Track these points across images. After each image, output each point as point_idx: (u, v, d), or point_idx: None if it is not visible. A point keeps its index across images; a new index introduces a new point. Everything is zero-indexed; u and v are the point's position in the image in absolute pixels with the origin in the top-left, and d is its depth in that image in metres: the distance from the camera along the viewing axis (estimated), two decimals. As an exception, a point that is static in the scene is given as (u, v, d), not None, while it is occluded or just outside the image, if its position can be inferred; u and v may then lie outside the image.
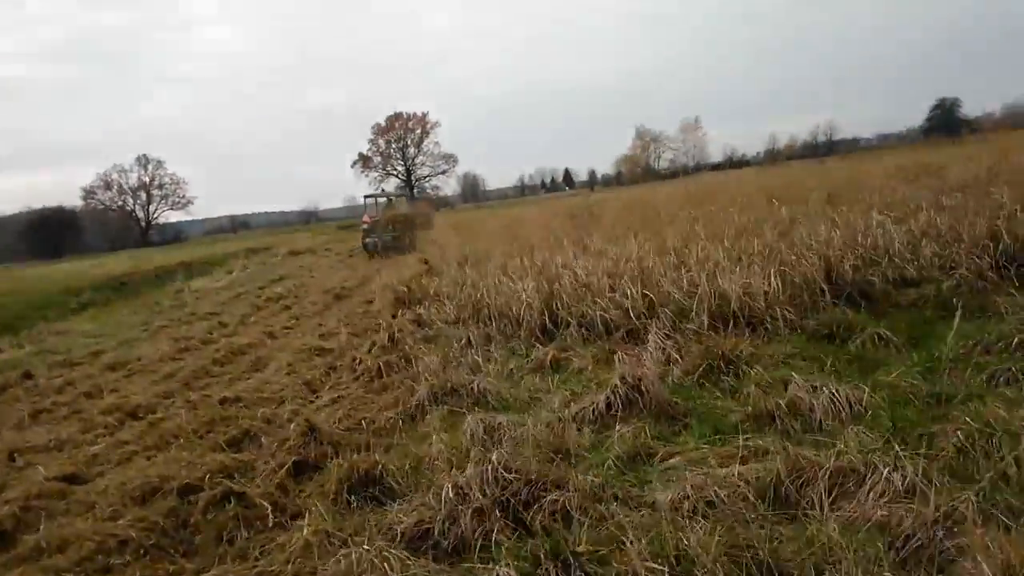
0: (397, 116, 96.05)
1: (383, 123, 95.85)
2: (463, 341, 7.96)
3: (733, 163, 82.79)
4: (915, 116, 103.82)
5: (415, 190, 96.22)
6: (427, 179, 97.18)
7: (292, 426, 5.73)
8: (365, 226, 27.58)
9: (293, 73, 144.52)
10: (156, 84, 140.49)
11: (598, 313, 7.39)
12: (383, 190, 34.32)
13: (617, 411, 4.94)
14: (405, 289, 11.49)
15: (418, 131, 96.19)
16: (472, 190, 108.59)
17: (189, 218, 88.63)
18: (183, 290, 20.21)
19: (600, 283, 8.04)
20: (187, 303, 17.24)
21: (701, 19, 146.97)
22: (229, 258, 30.92)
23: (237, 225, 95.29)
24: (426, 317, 9.35)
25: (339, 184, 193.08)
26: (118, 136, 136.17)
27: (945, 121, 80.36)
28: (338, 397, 6.78)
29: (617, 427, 4.66)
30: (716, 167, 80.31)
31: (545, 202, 49.75)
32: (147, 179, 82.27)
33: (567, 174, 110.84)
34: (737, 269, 7.24)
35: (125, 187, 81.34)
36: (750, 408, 4.60)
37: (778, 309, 6.46)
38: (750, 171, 51.20)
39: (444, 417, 5.57)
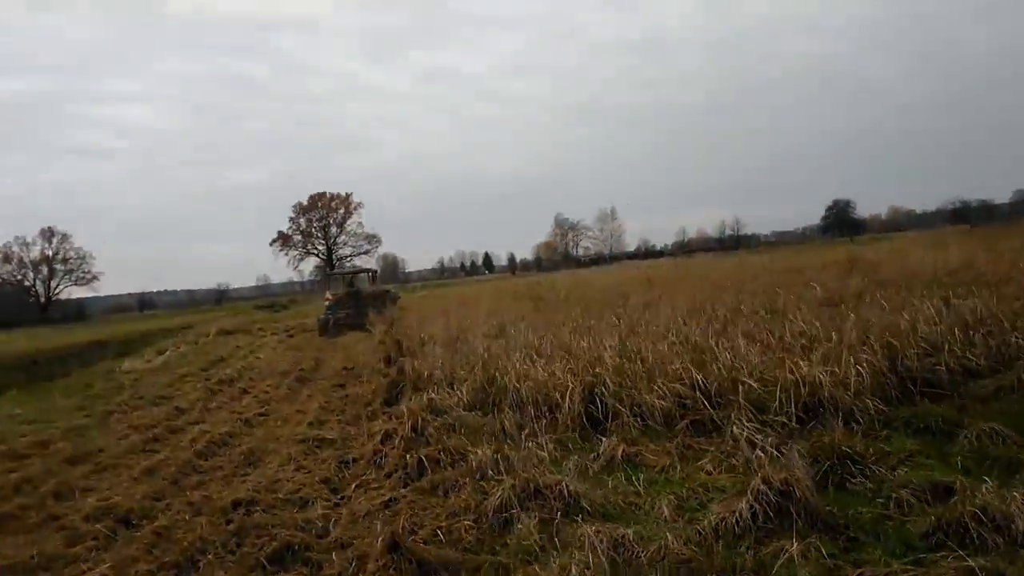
0: (320, 195, 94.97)
1: (305, 202, 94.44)
2: (497, 431, 7.18)
3: (647, 253, 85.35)
4: (807, 217, 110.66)
5: (334, 269, 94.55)
6: (348, 259, 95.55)
7: (370, 542, 4.78)
8: (328, 302, 26.56)
9: (212, 152, 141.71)
10: (63, 155, 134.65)
11: (656, 401, 6.81)
12: (353, 265, 33.53)
13: (766, 522, 4.29)
14: (394, 371, 10.57)
15: (341, 211, 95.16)
16: (392, 271, 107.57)
17: (92, 294, 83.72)
18: (114, 371, 18.42)
19: (648, 366, 7.50)
20: (125, 385, 15.59)
21: (615, 115, 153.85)
22: (153, 337, 28.86)
23: (144, 303, 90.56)
24: (439, 403, 8.48)
25: (250, 264, 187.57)
26: (14, 204, 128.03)
27: (839, 221, 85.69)
28: (388, 500, 5.80)
29: (779, 542, 4.00)
30: (631, 256, 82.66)
31: (479, 283, 49.46)
32: (51, 252, 77.65)
33: (487, 258, 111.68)
34: (811, 356, 6.82)
35: (26, 260, 76.54)
36: (932, 518, 4.04)
37: (868, 401, 6.03)
38: (685, 260, 52.51)
39: (539, 527, 4.76)
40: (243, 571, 4.82)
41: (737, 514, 4.34)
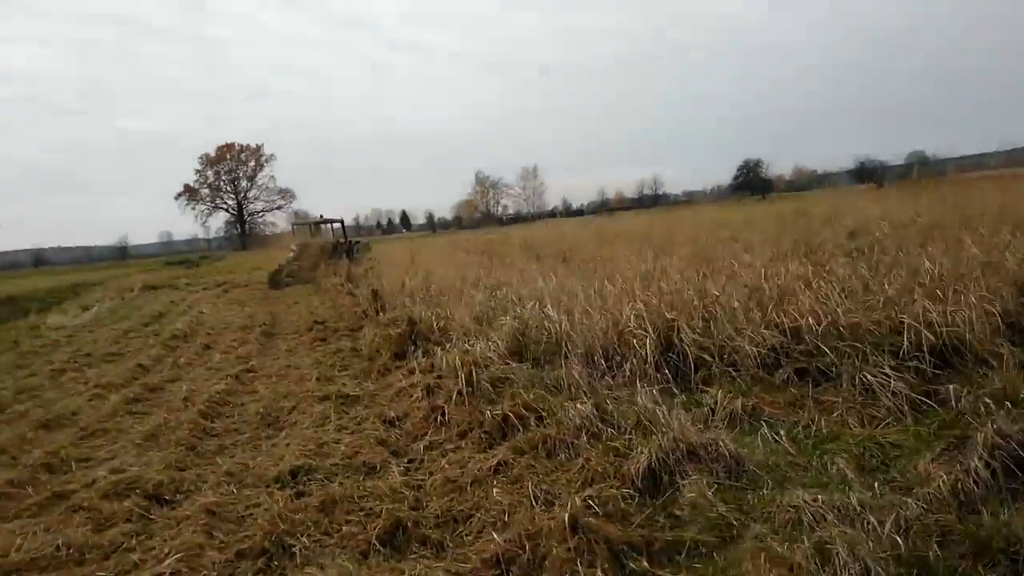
0: (228, 146, 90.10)
1: (212, 153, 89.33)
2: (563, 385, 6.35)
3: (569, 212, 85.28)
4: (715, 177, 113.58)
5: (247, 226, 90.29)
6: (260, 214, 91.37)
7: (522, 516, 3.88)
8: (292, 253, 24.76)
9: (104, 100, 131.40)
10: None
11: (749, 347, 6.12)
12: (321, 216, 30.59)
13: (1008, 481, 3.66)
14: (403, 324, 9.49)
15: (251, 163, 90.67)
16: (302, 229, 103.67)
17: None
18: (38, 327, 16.42)
19: (727, 309, 6.81)
20: (60, 342, 13.84)
21: (531, 71, 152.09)
22: (66, 293, 26.33)
23: (39, 260, 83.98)
24: (477, 355, 7.52)
25: (151, 219, 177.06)
26: None
27: (749, 180, 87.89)
28: (498, 465, 4.85)
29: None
30: (553, 214, 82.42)
31: (410, 240, 47.92)
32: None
33: (404, 216, 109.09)
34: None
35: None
36: None
37: (1003, 343, 5.53)
38: (611, 217, 52.41)
39: (718, 496, 3.96)
40: (355, 557, 3.85)
41: (973, 474, 3.68)
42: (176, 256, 73.11)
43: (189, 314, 17.28)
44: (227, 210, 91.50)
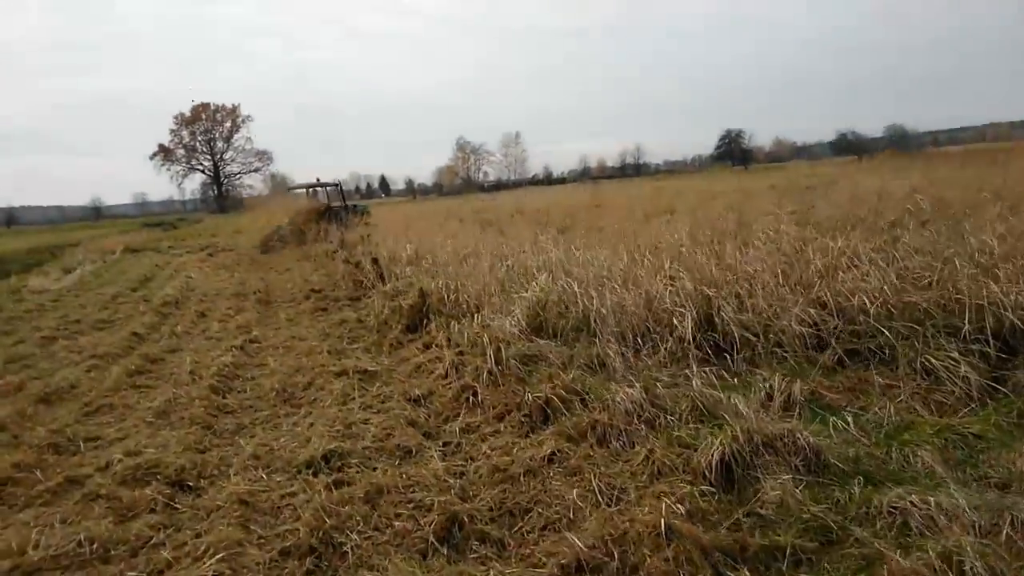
0: (204, 106, 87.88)
1: (187, 113, 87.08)
2: (596, 364, 6.04)
3: (551, 180, 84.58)
4: (693, 148, 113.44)
5: (224, 188, 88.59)
6: (237, 177, 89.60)
7: (600, 517, 3.56)
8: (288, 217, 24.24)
9: (74, 56, 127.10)
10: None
11: (797, 327, 5.83)
12: (318, 179, 29.19)
13: None
14: (414, 294, 9.07)
15: (227, 124, 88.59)
16: (278, 192, 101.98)
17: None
18: (19, 290, 15.76)
19: (766, 280, 6.53)
20: (45, 306, 13.25)
21: (511, 34, 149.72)
22: (43, 254, 25.48)
23: (10, 219, 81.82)
24: (497, 330, 7.16)
25: (125, 179, 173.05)
26: None
27: (730, 151, 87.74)
28: (550, 454, 4.53)
29: None
30: (536, 182, 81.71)
31: (391, 207, 47.17)
32: None
33: (383, 181, 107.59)
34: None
35: None
36: None
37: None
38: (596, 185, 51.90)
39: (806, 493, 3.65)
40: (414, 557, 3.53)
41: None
42: (153, 218, 71.59)
43: (177, 279, 16.71)
44: (203, 171, 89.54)
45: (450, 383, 6.24)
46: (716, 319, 6.20)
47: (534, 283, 8.69)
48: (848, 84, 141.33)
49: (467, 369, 6.30)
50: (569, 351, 6.41)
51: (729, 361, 5.84)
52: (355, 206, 27.33)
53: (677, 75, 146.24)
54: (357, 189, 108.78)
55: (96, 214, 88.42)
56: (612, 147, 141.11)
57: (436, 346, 7.54)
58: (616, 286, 7.22)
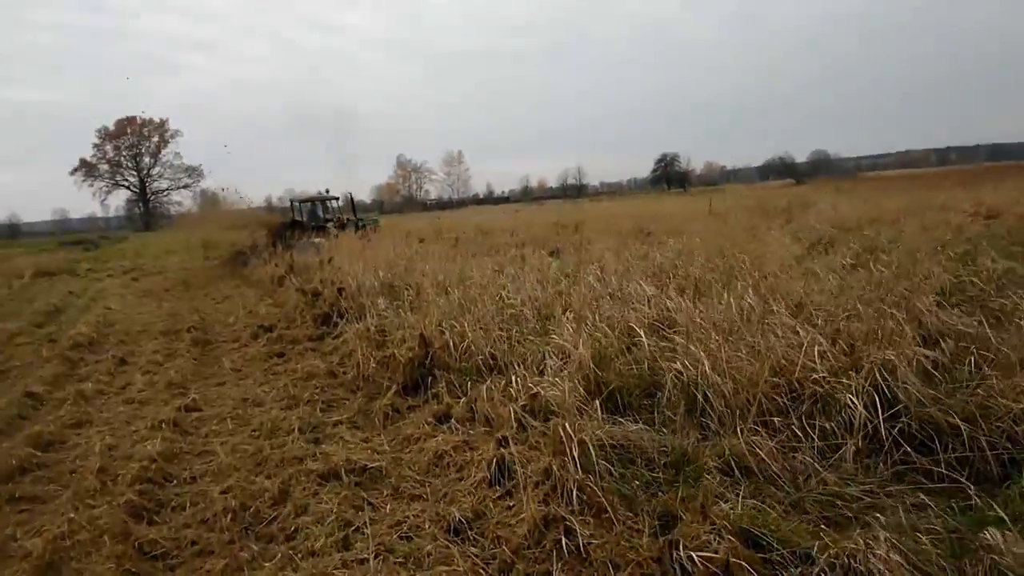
0: (130, 120, 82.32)
1: (112, 127, 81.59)
2: (771, 470, 3.92)
3: (495, 199, 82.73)
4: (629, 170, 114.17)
5: (151, 205, 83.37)
6: (165, 193, 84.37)
7: None
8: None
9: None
10: None
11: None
12: (327, 190, 25.50)
13: None
14: (415, 343, 6.70)
15: (155, 139, 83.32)
16: (212, 209, 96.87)
17: None
18: None
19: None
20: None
21: (449, 58, 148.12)
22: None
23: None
24: (559, 401, 4.94)
25: (43, 196, 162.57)
26: None
27: (666, 174, 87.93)
28: None
29: None
30: (480, 201, 79.75)
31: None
32: None
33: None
34: None
35: None
36: None
37: None
38: (540, 206, 50.27)
39: None
40: None
41: None
42: (73, 236, 66.15)
43: (94, 310, 13.85)
44: (128, 187, 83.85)
45: (507, 499, 4.01)
46: (899, 394, 4.15)
47: (564, 324, 6.61)
48: (766, 111, 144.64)
49: (529, 473, 4.08)
50: (679, 441, 4.24)
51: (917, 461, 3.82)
52: (361, 219, 24.10)
53: (612, 100, 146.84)
54: (292, 205, 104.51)
55: (11, 232, 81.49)
56: (552, 167, 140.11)
57: (458, 422, 5.31)
58: (716, 336, 5.10)
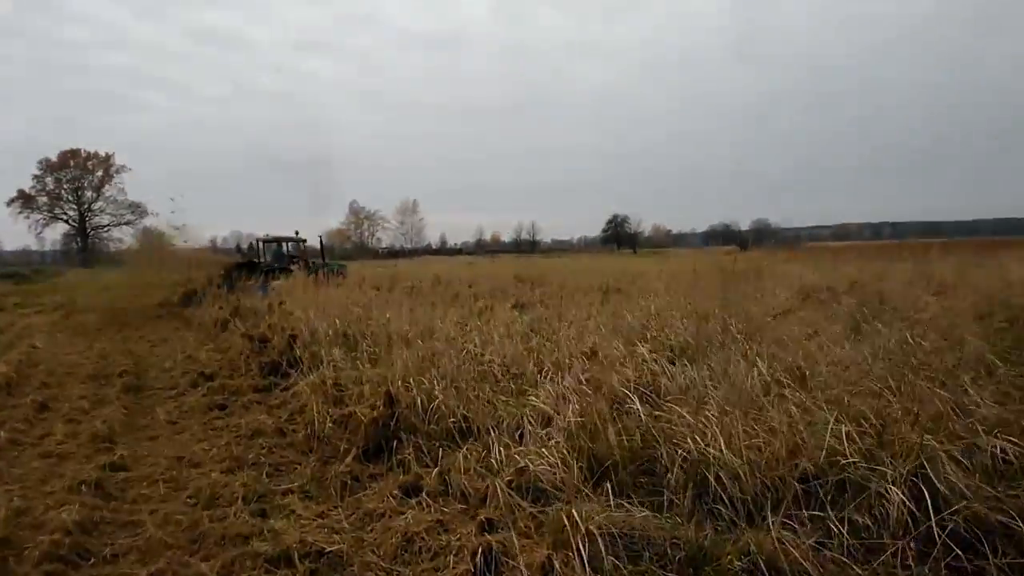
0: (73, 152, 79.69)
1: (54, 159, 78.79)
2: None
3: (449, 250, 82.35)
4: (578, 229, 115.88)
5: (89, 240, 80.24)
6: (106, 229, 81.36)
7: None
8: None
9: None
10: None
11: None
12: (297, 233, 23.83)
13: None
14: (379, 402, 5.99)
15: (99, 173, 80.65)
16: (156, 247, 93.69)
17: None
18: None
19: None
20: None
21: (410, 109, 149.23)
22: None
23: None
24: (542, 474, 4.32)
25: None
26: None
27: (617, 234, 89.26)
28: None
29: None
30: (435, 251, 79.26)
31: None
32: None
33: (251, 244, 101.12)
34: None
35: None
36: None
37: None
38: (496, 259, 50.03)
39: None
40: None
41: None
42: (3, 268, 62.87)
43: (17, 348, 12.66)
44: (67, 221, 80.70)
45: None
46: (940, 486, 3.68)
47: (540, 384, 6.11)
48: (710, 179, 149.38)
49: (522, 568, 3.45)
50: (692, 532, 3.66)
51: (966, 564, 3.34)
52: (326, 263, 22.90)
53: (560, 159, 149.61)
54: (238, 248, 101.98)
55: (-65, 264, 77.17)
56: (505, 221, 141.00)
57: (429, 496, 4.65)
58: (725, 408, 4.58)
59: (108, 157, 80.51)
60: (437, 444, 5.49)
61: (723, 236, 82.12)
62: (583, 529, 3.34)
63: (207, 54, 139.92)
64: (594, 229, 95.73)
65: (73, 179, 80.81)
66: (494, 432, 5.38)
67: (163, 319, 17.84)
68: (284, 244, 23.95)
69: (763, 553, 3.30)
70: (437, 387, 6.27)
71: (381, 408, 5.77)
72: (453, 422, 5.74)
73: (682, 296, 12.26)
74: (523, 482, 4.28)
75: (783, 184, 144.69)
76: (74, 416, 7.60)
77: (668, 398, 5.21)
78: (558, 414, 5.40)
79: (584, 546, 3.28)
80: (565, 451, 4.55)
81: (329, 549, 3.98)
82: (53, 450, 6.28)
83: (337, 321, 10.06)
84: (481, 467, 4.81)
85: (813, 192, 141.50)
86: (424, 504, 4.57)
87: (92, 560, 3.98)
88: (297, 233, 24.25)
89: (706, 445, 4.12)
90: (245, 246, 79.99)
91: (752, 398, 4.76)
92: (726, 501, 3.80)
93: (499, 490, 4.13)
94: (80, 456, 6.05)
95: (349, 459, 5.53)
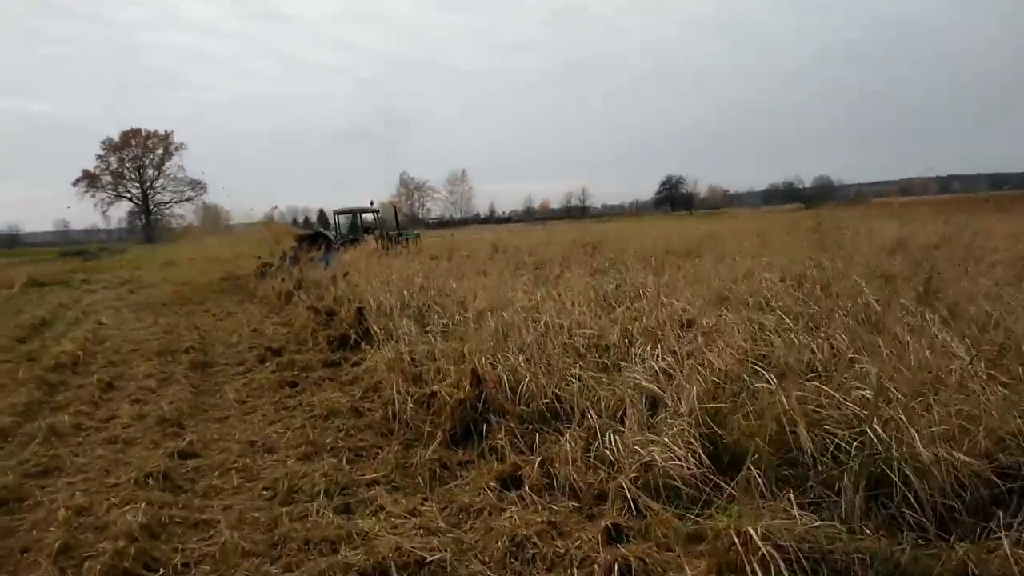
0: (134, 132, 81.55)
1: (116, 139, 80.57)
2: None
3: (499, 219, 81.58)
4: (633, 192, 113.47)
5: (152, 217, 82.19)
6: (168, 205, 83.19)
7: None
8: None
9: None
10: None
11: None
12: (372, 202, 23.42)
13: None
14: (467, 383, 5.37)
15: (159, 151, 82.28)
16: (213, 222, 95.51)
17: None
18: None
19: None
20: None
21: (453, 74, 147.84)
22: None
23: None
24: (667, 464, 3.64)
25: (46, 206, 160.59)
26: None
27: (671, 196, 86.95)
28: None
29: None
30: (483, 220, 78.61)
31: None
32: None
33: (322, 214, 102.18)
34: None
35: None
36: None
37: None
38: (552, 225, 49.19)
39: None
40: None
41: None
42: (72, 246, 64.76)
43: (84, 324, 12.57)
44: (131, 199, 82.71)
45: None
46: None
47: (638, 359, 5.42)
48: (765, 137, 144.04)
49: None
50: (880, 545, 2.93)
51: None
52: (400, 233, 22.34)
53: (613, 122, 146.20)
54: (295, 222, 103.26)
55: (11, 242, 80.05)
56: (554, 189, 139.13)
57: (532, 490, 4.04)
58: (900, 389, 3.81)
59: (167, 135, 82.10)
60: (530, 428, 4.90)
61: (784, 194, 79.16)
62: (759, 546, 2.65)
63: (255, 30, 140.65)
64: (646, 193, 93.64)
65: (135, 158, 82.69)
66: (591, 414, 4.76)
67: (226, 293, 17.66)
68: (358, 215, 23.47)
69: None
70: (522, 363, 5.66)
71: (468, 388, 5.15)
72: (545, 403, 5.11)
73: (776, 255, 11.38)
74: (650, 479, 3.62)
75: (837, 139, 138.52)
76: (140, 396, 7.25)
77: (810, 375, 4.46)
78: (664, 392, 4.75)
79: (757, 566, 2.60)
80: (693, 439, 3.87)
81: (430, 559, 3.40)
82: (119, 435, 5.89)
83: (405, 293, 9.52)
84: (589, 457, 4.19)
85: (869, 146, 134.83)
86: (527, 500, 3.97)
87: (160, 571, 3.48)
88: (372, 203, 23.74)
89: (889, 435, 3.36)
90: (302, 220, 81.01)
91: (936, 375, 3.96)
92: (915, 505, 3.07)
93: (625, 489, 3.47)
94: (147, 442, 5.64)
95: (435, 443, 4.96)
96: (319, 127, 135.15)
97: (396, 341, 7.46)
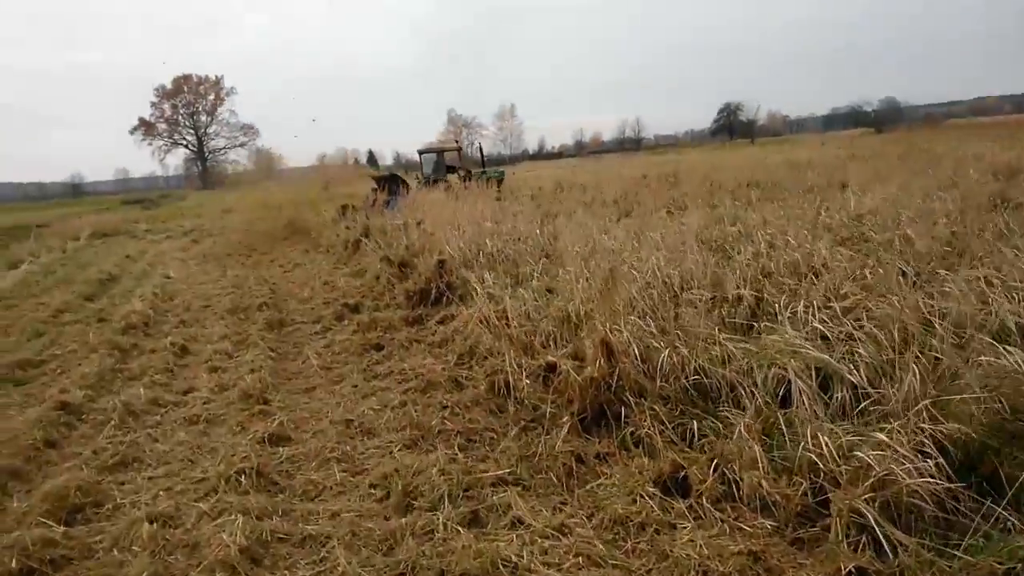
0: (186, 78, 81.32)
1: (169, 85, 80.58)
2: None
3: (549, 154, 79.43)
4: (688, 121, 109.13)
5: (208, 163, 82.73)
6: (222, 151, 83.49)
7: None
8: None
9: (51, 28, 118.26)
10: None
11: None
12: (452, 140, 22.68)
13: None
14: (600, 356, 4.52)
15: (211, 97, 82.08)
16: (267, 167, 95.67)
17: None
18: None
19: None
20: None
21: (505, 10, 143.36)
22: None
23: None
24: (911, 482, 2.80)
25: (107, 155, 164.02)
26: None
27: (729, 124, 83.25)
28: None
29: None
30: (534, 156, 76.68)
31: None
32: None
33: (371, 156, 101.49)
34: None
35: None
36: None
37: None
38: (601, 160, 47.50)
39: None
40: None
41: None
42: (134, 194, 65.69)
43: (151, 279, 12.14)
44: (186, 146, 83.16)
45: None
46: None
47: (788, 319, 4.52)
48: (833, 57, 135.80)
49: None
50: None
51: None
52: (484, 171, 21.25)
53: (662, 45, 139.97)
54: (345, 164, 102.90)
55: (75, 191, 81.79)
56: (604, 121, 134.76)
57: (707, 499, 3.22)
58: None
59: (218, 80, 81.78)
60: (677, 412, 4.05)
61: (847, 119, 74.92)
62: None
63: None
64: (700, 122, 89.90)
65: (188, 104, 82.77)
66: (746, 392, 3.91)
67: (289, 241, 17.09)
68: (441, 154, 22.56)
69: None
70: (653, 328, 4.80)
71: (602, 363, 4.30)
72: (694, 379, 4.25)
73: (885, 187, 10.17)
74: (880, 497, 2.76)
75: (901, 58, 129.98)
76: (217, 362, 6.68)
77: None
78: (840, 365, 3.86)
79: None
80: (926, 438, 2.97)
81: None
82: (200, 413, 5.28)
83: (488, 241, 8.68)
84: (773, 457, 3.34)
85: (936, 65, 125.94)
86: (703, 514, 3.16)
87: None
88: (457, 141, 22.87)
89: None
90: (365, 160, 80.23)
91: None
92: None
93: (871, 518, 2.61)
94: (232, 423, 5.01)
95: (564, 428, 4.17)
96: (362, 69, 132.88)
97: (488, 298, 6.65)
